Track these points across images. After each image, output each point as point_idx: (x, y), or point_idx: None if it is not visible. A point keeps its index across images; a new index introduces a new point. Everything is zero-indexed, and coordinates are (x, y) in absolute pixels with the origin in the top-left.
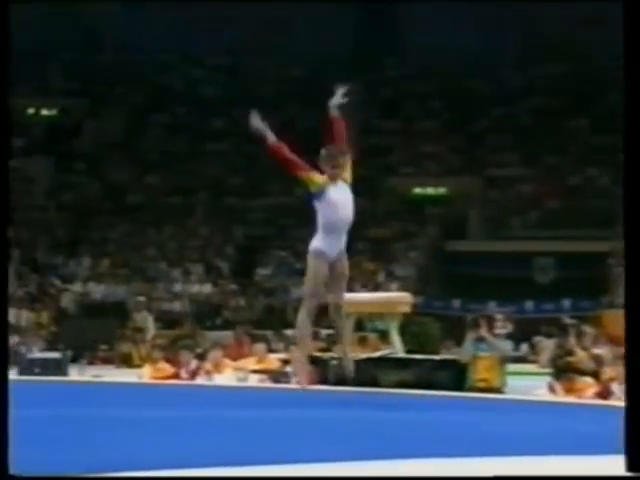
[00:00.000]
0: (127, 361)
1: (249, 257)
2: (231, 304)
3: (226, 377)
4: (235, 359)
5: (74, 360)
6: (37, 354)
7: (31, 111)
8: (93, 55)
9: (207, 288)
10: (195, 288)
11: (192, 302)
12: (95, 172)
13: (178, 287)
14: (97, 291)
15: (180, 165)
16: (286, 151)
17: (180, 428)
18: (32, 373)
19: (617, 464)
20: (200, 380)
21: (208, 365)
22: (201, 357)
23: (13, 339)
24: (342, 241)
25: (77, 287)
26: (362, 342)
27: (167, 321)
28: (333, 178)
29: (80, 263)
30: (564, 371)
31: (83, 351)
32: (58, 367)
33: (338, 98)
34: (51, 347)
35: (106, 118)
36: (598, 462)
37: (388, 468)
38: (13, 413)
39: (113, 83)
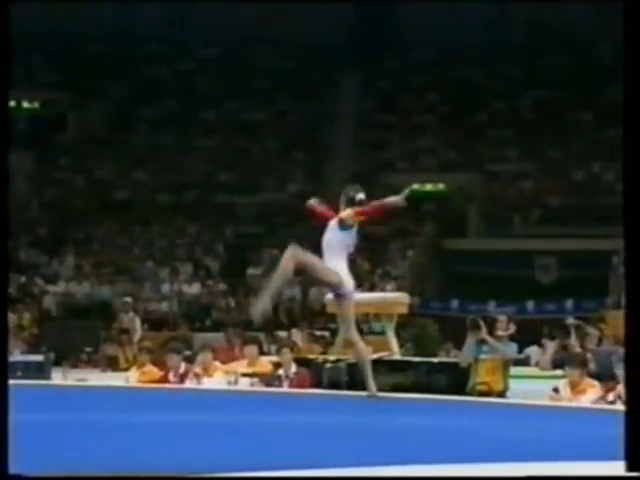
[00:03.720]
0: (113, 364)
1: (239, 256)
2: (221, 305)
3: (216, 381)
4: (225, 362)
5: (57, 363)
6: (18, 357)
7: (12, 104)
8: (77, 45)
9: (196, 288)
10: (184, 288)
11: (180, 303)
12: (79, 168)
13: (166, 287)
14: (81, 291)
15: (168, 160)
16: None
17: (167, 433)
18: (13, 377)
19: (616, 470)
20: (189, 384)
21: (197, 368)
22: (190, 360)
23: None
24: None
25: (60, 287)
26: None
27: (154, 322)
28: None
29: (63, 262)
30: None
31: (66, 354)
32: (40, 370)
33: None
34: (33, 350)
35: (91, 111)
36: (595, 468)
37: (379, 474)
38: None
39: (98, 75)
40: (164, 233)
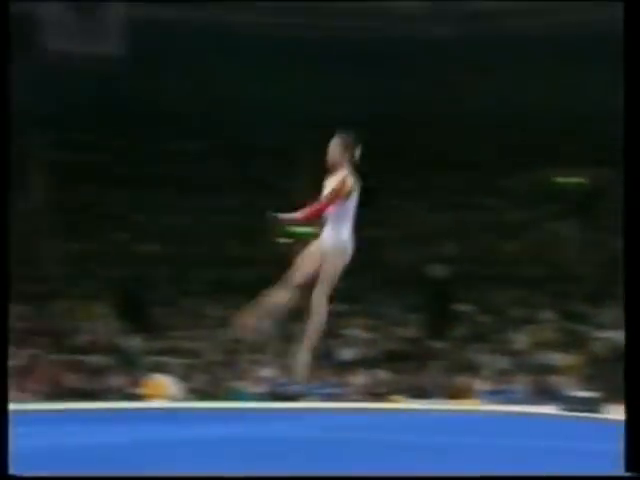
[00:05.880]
0: None
1: None
2: None
3: None
4: None
5: (607, 400)
6: (574, 393)
7: (561, 180)
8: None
9: None
10: None
11: None
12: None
13: None
14: (621, 338)
15: None
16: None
17: None
18: (571, 409)
19: None
20: None
21: None
22: None
23: (553, 378)
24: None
25: (608, 334)
26: None
27: None
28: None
29: (609, 313)
30: None
31: (614, 392)
32: (593, 405)
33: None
34: (585, 387)
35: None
36: None
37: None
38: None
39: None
40: None
